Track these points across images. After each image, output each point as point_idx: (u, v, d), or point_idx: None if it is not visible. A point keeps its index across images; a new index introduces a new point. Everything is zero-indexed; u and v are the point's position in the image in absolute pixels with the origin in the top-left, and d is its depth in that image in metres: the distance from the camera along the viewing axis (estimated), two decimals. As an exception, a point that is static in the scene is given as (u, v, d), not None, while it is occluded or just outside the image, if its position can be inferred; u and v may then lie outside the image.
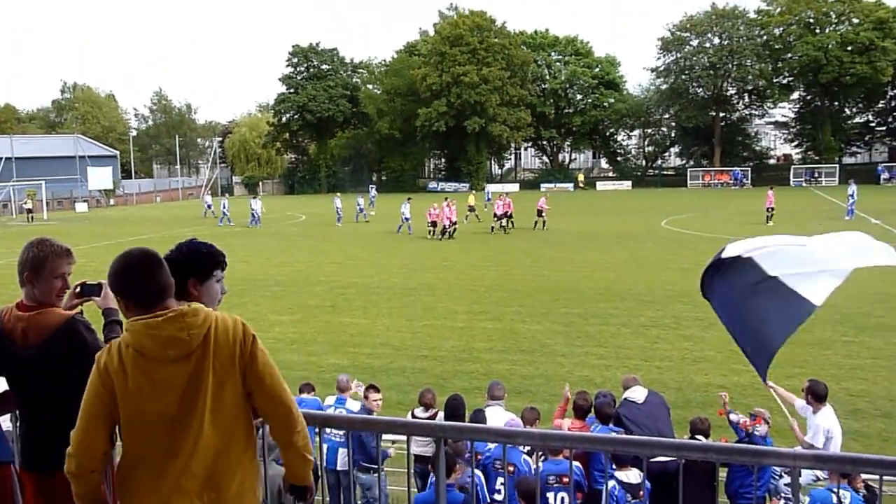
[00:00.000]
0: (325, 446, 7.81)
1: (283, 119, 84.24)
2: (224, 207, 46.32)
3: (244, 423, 2.92)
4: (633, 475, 6.42)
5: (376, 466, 7.14)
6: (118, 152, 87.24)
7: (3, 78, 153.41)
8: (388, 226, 39.13)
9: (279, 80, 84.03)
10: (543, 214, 36.30)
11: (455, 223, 34.44)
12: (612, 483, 6.47)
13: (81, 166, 75.20)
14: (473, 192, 56.31)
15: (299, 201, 68.98)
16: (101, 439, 2.81)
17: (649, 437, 6.52)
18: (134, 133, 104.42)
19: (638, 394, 7.71)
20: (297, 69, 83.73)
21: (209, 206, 51.52)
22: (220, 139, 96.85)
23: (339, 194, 46.23)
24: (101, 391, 2.79)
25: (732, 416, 7.65)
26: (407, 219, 36.14)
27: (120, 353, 2.80)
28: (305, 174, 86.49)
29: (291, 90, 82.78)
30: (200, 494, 2.79)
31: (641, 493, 6.35)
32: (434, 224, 34.11)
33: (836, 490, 5.79)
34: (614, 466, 6.52)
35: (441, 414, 7.83)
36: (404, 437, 4.22)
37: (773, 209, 35.76)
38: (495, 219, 36.23)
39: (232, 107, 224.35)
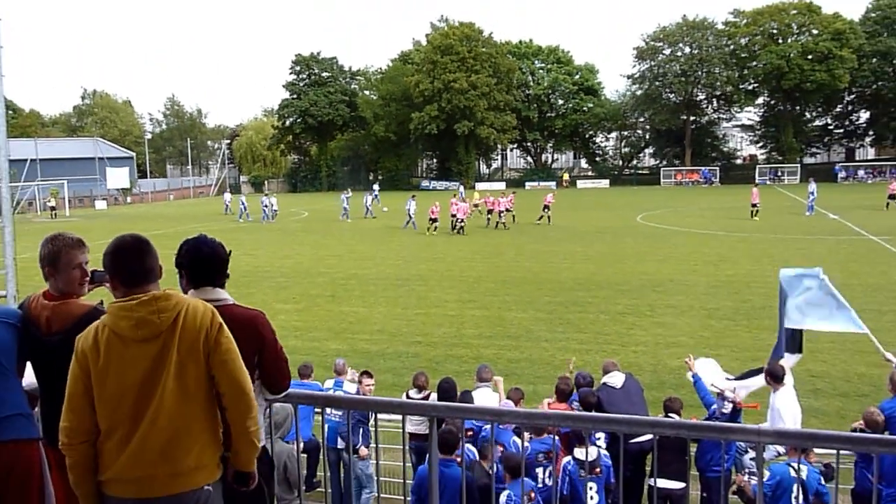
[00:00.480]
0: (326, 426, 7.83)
1: (287, 123, 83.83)
2: (243, 205, 46.17)
3: (203, 403, 2.88)
4: (591, 452, 6.41)
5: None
6: (134, 154, 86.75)
7: (29, 85, 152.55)
8: (386, 222, 39.07)
9: (283, 86, 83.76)
10: (549, 210, 35.75)
11: (463, 220, 33.57)
12: (566, 459, 6.49)
13: (100, 167, 74.86)
14: (476, 190, 55.95)
15: (302, 199, 68.75)
16: (86, 414, 2.84)
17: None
18: (149, 136, 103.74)
19: (616, 379, 7.74)
20: (300, 76, 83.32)
21: (228, 205, 51.12)
22: (229, 141, 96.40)
23: (349, 191, 45.90)
24: (77, 370, 2.85)
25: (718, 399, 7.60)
26: (412, 214, 35.70)
27: (96, 334, 2.85)
28: (307, 174, 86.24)
29: (294, 96, 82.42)
30: (156, 466, 2.80)
31: (598, 469, 6.34)
32: (434, 220, 33.41)
33: (794, 464, 5.81)
34: (576, 443, 6.54)
35: (434, 395, 7.83)
36: (400, 417, 4.21)
37: (757, 205, 35.28)
38: (489, 214, 35.77)
39: (239, 111, 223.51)
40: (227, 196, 53.72)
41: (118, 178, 73.73)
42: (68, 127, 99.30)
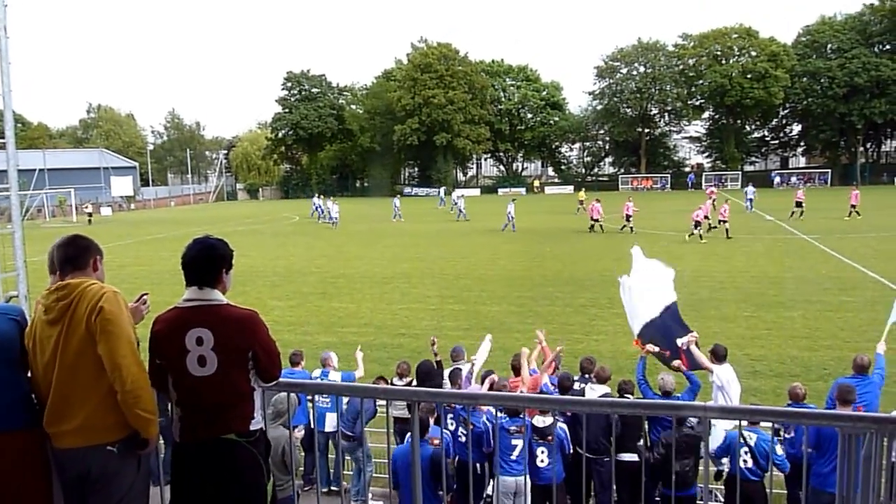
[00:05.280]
0: (332, 415, 7.77)
1: (280, 135, 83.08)
2: (318, 208, 45.20)
3: (90, 375, 3.06)
4: (546, 419, 6.47)
5: (357, 436, 7.22)
6: (137, 164, 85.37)
7: (36, 100, 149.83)
8: (368, 225, 38.91)
9: (276, 101, 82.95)
10: (631, 220, 31.75)
11: (598, 219, 32.11)
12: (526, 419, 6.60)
13: (105, 176, 73.59)
14: (584, 189, 54.72)
15: (293, 205, 68.26)
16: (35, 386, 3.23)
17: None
18: (151, 147, 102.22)
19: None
20: (291, 92, 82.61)
21: (317, 208, 47.15)
22: (226, 152, 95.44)
23: (399, 196, 46.07)
24: (23, 350, 3.20)
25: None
26: (512, 217, 34.14)
27: (35, 319, 3.19)
28: (299, 181, 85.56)
29: (286, 110, 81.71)
30: (53, 425, 3.11)
31: (550, 437, 6.40)
32: (595, 220, 32.06)
33: (745, 432, 6.08)
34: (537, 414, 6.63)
35: (416, 382, 7.85)
36: (384, 402, 4.23)
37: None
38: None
39: (235, 124, 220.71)
40: (317, 200, 48.82)
41: (122, 186, 72.60)
42: (74, 139, 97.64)
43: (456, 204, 44.27)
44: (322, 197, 50.57)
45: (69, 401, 3.08)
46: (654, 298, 7.87)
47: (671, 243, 27.11)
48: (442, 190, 61.31)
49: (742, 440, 6.23)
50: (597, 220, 32.29)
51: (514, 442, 6.42)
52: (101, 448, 3.10)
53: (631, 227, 31.44)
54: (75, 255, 3.22)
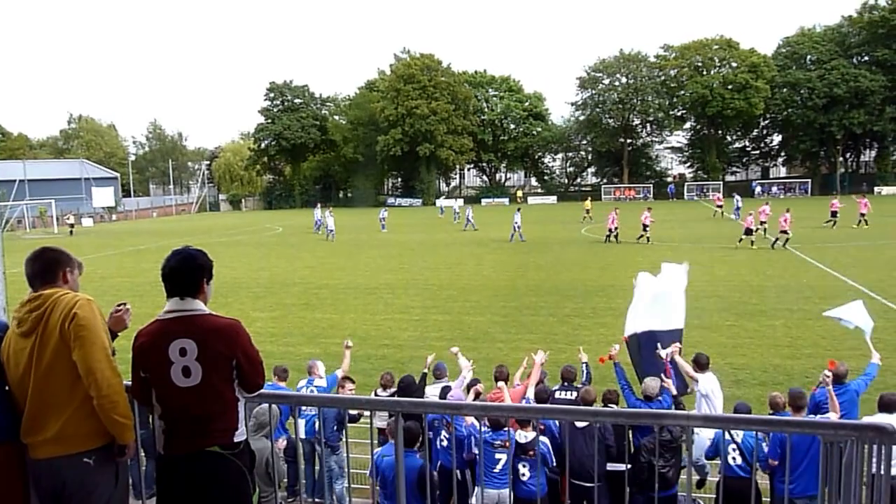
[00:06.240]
0: (301, 421, 7.78)
1: (262, 145, 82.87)
2: (319, 221, 42.69)
3: (65, 383, 3.07)
4: (529, 435, 6.48)
5: (338, 446, 7.21)
6: (119, 174, 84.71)
7: (17, 110, 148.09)
8: (353, 236, 38.82)
9: (258, 111, 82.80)
10: (648, 230, 31.02)
11: (617, 228, 31.45)
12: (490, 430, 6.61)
13: (86, 187, 72.89)
14: (591, 198, 55.08)
15: (277, 215, 67.99)
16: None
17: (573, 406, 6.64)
18: (133, 157, 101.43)
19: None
20: (274, 102, 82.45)
21: (318, 221, 44.57)
22: (208, 162, 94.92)
23: (385, 208, 46.01)
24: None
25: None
26: (518, 227, 33.64)
27: (8, 333, 3.20)
28: (282, 192, 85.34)
29: (269, 120, 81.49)
30: (28, 435, 3.12)
31: (532, 452, 6.40)
32: (612, 230, 31.47)
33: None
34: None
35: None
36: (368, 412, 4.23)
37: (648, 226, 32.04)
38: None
39: (218, 135, 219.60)
40: (384, 212, 47.02)
41: (103, 197, 72.01)
42: (55, 149, 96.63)
43: (457, 213, 46.24)
44: (322, 207, 48.04)
45: (45, 410, 3.07)
46: (660, 313, 8.20)
47: (652, 250, 27.33)
48: (441, 200, 61.98)
49: (729, 436, 6.38)
50: (614, 230, 31.59)
51: (497, 456, 6.42)
52: (78, 460, 3.08)
53: (647, 238, 30.78)
54: (42, 269, 3.23)
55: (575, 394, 7.56)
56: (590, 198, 55.69)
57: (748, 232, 28.37)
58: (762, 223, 30.76)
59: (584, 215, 45.52)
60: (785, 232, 27.46)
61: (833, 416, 6.71)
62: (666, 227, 36.27)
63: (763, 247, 27.79)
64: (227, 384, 3.13)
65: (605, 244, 31.32)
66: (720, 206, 42.54)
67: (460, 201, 64.92)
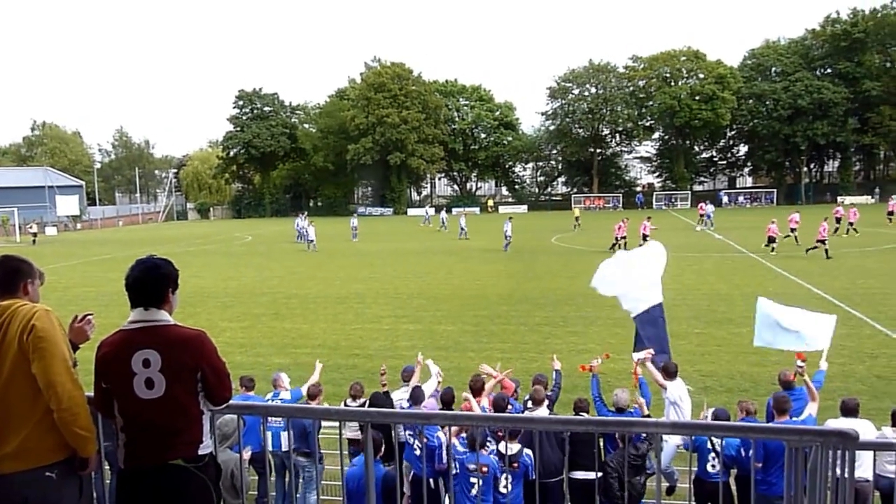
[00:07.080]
0: (269, 433, 7.68)
1: (231, 153, 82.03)
2: (302, 231, 41.24)
3: (24, 397, 3.01)
4: (513, 447, 6.46)
5: (312, 451, 7.08)
6: (84, 182, 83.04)
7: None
8: (323, 244, 38.53)
9: (227, 119, 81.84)
10: (648, 240, 31.41)
11: (624, 237, 31.38)
12: (490, 448, 6.59)
13: (50, 195, 71.31)
14: (580, 205, 55.94)
15: (246, 224, 67.28)
16: None
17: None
18: (98, 165, 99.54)
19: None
20: (243, 110, 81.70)
21: (300, 231, 42.24)
22: (176, 171, 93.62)
23: (356, 216, 46.29)
24: None
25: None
26: (509, 236, 33.22)
27: None
28: (251, 201, 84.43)
29: (238, 128, 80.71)
30: None
31: (516, 464, 6.39)
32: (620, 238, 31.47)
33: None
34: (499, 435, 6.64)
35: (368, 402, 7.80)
36: (337, 423, 4.19)
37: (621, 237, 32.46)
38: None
39: (186, 143, 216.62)
40: (429, 211, 49.53)
41: (68, 205, 70.52)
42: (18, 157, 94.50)
43: (445, 222, 48.13)
44: (305, 216, 45.97)
45: (6, 424, 3.01)
46: (645, 286, 8.78)
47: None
48: (428, 209, 62.32)
49: (710, 446, 6.56)
50: (622, 239, 31.33)
51: (472, 480, 6.38)
52: (40, 474, 3.01)
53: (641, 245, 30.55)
54: (2, 279, 3.17)
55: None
56: (579, 206, 56.61)
57: (771, 240, 28.92)
58: (792, 230, 31.37)
59: (574, 223, 45.87)
60: (822, 241, 27.22)
61: (813, 405, 6.94)
62: (635, 237, 36.65)
63: (797, 253, 28.11)
64: (192, 397, 3.08)
65: (604, 251, 31.73)
66: (703, 215, 42.94)
67: (460, 210, 66.07)
